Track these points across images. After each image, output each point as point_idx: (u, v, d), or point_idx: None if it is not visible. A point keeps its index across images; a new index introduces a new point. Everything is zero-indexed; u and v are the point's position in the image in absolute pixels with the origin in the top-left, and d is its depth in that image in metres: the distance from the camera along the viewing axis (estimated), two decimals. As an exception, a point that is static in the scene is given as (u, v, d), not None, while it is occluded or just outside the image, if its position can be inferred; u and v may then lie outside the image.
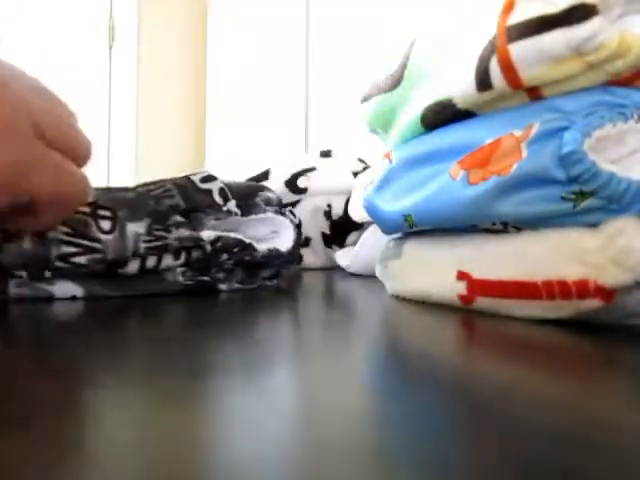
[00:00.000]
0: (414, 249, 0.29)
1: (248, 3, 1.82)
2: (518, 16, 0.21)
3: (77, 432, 0.10)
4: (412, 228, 0.28)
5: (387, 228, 0.31)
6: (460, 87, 0.23)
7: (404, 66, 0.27)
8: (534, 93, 0.22)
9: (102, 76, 1.93)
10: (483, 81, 0.22)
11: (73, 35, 1.87)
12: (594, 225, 0.20)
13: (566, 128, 0.20)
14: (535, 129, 0.21)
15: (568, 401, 0.12)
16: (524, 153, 0.21)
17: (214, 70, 2.06)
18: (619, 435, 0.10)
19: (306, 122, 1.48)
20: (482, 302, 0.24)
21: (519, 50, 0.21)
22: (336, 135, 1.32)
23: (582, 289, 0.20)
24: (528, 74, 0.21)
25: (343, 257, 0.53)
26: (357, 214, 0.50)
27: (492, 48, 0.21)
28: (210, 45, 2.09)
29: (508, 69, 0.21)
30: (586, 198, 0.20)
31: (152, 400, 0.12)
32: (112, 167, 2.03)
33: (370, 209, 0.32)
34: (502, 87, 0.22)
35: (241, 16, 1.88)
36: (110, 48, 1.93)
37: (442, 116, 0.25)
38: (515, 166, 0.21)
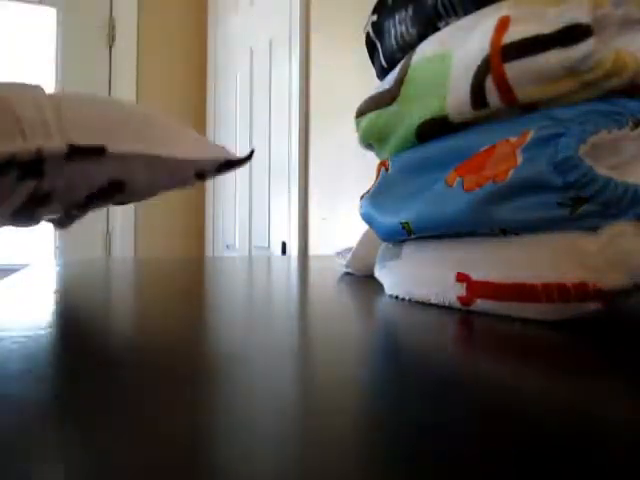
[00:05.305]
0: (413, 250, 0.29)
1: (246, 1, 1.81)
2: (513, 35, 0.21)
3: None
4: (410, 235, 0.27)
5: (385, 235, 0.31)
6: (455, 104, 0.23)
7: (401, 82, 0.26)
8: (529, 107, 0.22)
9: (102, 76, 1.93)
10: (478, 99, 0.22)
11: (73, 35, 1.87)
12: (592, 230, 0.20)
13: (561, 135, 0.20)
14: (530, 135, 0.21)
15: (567, 401, 0.13)
16: (519, 159, 0.21)
17: (214, 70, 2.06)
18: (618, 434, 0.10)
19: (306, 112, 1.49)
20: (481, 304, 0.23)
21: (514, 70, 0.21)
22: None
23: (581, 292, 0.20)
24: (523, 93, 0.21)
25: (341, 256, 0.52)
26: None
27: (487, 66, 0.21)
28: (210, 45, 2.09)
29: (504, 88, 0.21)
30: (583, 204, 0.20)
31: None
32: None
33: (367, 216, 0.31)
34: (497, 105, 0.22)
35: (241, 15, 1.88)
36: (110, 48, 1.93)
37: (437, 131, 0.25)
38: (511, 172, 0.21)
